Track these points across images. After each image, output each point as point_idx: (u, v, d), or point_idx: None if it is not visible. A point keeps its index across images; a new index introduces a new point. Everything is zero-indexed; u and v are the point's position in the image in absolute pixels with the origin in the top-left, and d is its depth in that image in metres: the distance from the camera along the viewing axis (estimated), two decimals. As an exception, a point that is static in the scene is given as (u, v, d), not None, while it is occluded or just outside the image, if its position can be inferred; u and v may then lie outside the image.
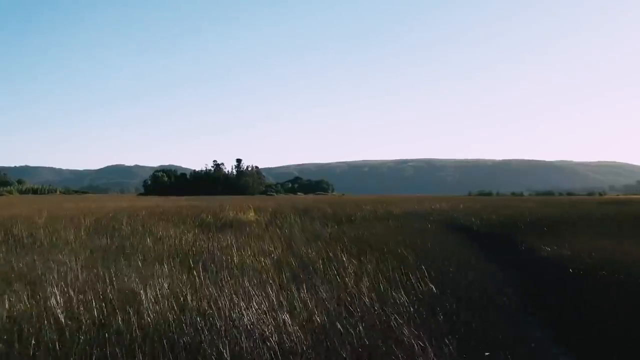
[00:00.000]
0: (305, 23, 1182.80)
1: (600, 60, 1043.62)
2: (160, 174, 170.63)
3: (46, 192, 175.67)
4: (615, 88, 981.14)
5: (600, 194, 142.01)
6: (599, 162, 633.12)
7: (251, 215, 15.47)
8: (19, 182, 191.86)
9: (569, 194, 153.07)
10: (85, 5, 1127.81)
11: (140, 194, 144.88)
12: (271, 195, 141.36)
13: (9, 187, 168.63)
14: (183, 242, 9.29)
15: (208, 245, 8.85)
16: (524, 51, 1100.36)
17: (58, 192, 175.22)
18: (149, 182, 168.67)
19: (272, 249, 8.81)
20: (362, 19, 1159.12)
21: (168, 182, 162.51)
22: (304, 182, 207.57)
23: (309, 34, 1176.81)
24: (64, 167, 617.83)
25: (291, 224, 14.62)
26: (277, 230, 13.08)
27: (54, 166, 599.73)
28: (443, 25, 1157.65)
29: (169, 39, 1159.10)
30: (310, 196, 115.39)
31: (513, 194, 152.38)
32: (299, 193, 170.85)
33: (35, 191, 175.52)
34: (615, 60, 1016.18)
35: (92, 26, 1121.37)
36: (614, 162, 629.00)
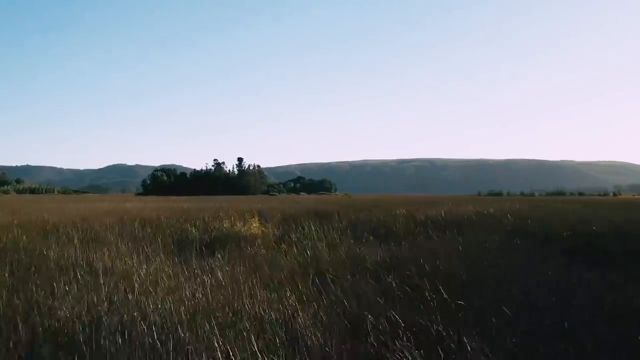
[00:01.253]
0: (307, 23, 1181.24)
1: (600, 60, 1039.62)
2: (159, 173, 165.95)
3: (43, 191, 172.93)
4: (615, 88, 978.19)
5: (615, 194, 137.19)
6: (598, 161, 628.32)
7: (254, 225, 10.87)
8: (17, 181, 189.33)
9: (580, 194, 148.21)
10: (85, 5, 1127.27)
11: (139, 194, 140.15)
12: (274, 195, 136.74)
13: (5, 186, 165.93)
14: (123, 289, 4.73)
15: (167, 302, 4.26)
16: (526, 51, 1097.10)
17: (56, 192, 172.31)
18: (148, 182, 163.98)
19: (296, 307, 4.26)
20: (364, 19, 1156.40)
21: (167, 181, 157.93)
22: (306, 182, 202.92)
23: (310, 34, 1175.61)
24: (65, 167, 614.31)
25: (313, 238, 10.08)
26: (295, 250, 8.55)
27: (55, 166, 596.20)
28: (445, 25, 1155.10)
29: (170, 39, 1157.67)
30: (315, 196, 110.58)
31: (522, 194, 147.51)
32: (301, 193, 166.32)
33: (32, 191, 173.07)
34: (613, 61, 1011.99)
35: (93, 26, 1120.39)
36: (615, 161, 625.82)
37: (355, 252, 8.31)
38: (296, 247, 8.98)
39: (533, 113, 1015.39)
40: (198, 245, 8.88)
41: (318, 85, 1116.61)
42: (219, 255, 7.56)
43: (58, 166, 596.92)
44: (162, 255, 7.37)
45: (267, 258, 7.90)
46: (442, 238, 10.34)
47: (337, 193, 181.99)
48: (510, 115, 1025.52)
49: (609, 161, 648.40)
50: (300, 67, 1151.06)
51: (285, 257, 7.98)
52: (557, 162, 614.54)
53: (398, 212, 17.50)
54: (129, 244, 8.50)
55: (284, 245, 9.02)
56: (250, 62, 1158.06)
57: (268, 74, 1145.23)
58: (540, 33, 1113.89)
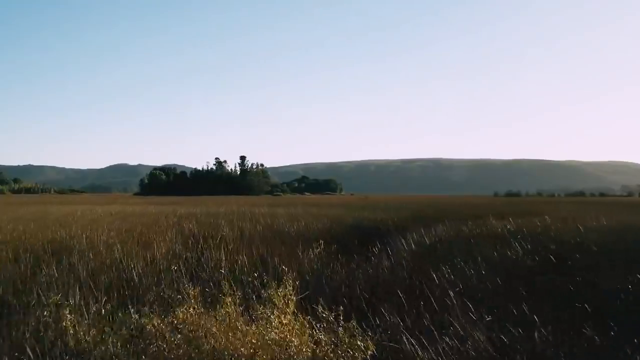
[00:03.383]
0: (308, 21, 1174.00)
1: (606, 60, 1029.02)
2: (158, 172, 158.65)
3: (39, 191, 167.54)
4: (620, 88, 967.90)
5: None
6: (603, 161, 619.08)
7: (287, 320, 3.05)
8: (15, 181, 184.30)
9: (602, 194, 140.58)
10: (88, 3, 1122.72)
11: (137, 194, 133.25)
12: (278, 195, 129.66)
13: (2, 186, 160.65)
14: None
15: None
16: (531, 51, 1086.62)
17: (52, 192, 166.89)
18: (146, 181, 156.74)
19: None
20: (365, 19, 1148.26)
21: (166, 180, 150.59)
22: (311, 182, 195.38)
23: (311, 33, 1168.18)
24: (67, 167, 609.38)
25: None
26: None
27: (57, 165, 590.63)
28: (448, 25, 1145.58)
29: (172, 38, 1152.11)
30: (322, 197, 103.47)
31: (540, 194, 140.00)
32: (306, 193, 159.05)
33: (28, 190, 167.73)
34: (619, 60, 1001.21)
35: (95, 26, 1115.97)
36: (618, 161, 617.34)
37: None
38: None
39: (538, 113, 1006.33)
40: None
41: (322, 84, 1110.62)
42: None
43: (60, 166, 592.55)
44: None
45: None
46: None
47: (342, 193, 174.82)
48: (515, 115, 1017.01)
49: (613, 161, 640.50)
50: (305, 66, 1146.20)
51: None
52: (562, 162, 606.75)
53: (497, 223, 10.47)
54: None
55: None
56: (253, 62, 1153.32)
57: (273, 73, 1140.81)
58: (547, 32, 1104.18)
